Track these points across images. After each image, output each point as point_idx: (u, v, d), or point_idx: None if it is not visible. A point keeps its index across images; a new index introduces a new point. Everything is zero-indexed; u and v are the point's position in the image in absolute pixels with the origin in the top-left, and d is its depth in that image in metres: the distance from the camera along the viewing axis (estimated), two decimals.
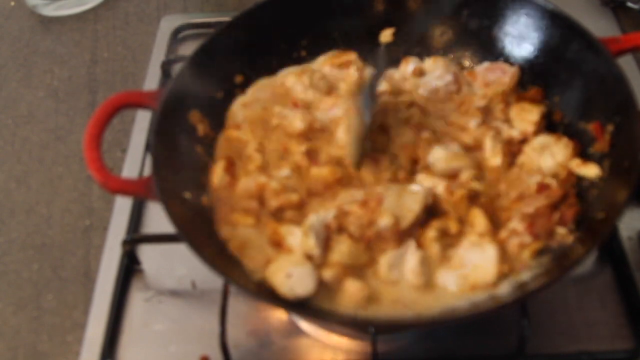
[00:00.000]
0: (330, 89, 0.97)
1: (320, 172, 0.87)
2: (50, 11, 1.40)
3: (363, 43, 1.03)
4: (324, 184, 0.86)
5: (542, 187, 0.83)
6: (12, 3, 1.45)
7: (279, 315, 0.89)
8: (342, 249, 0.79)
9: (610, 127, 0.83)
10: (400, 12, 1.02)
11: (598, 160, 0.84)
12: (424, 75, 0.99)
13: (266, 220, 0.84)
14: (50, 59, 1.32)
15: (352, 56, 1.00)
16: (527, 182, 0.85)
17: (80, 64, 1.30)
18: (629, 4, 1.26)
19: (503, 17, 0.97)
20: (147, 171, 0.87)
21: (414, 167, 0.88)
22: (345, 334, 0.86)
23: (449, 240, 0.81)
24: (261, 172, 0.88)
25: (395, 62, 1.02)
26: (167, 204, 0.75)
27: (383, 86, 0.96)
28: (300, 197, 0.85)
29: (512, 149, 0.90)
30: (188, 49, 1.25)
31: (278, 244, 0.82)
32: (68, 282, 0.97)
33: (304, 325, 0.88)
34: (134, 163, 1.08)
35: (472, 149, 0.90)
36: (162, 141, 0.82)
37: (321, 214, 0.81)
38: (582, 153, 0.86)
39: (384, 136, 0.91)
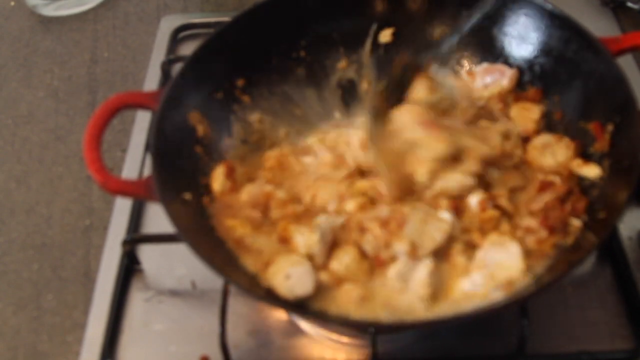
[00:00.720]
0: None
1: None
2: (50, 11, 1.40)
3: (362, 43, 1.03)
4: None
5: (544, 185, 0.83)
6: (12, 3, 1.45)
7: (279, 315, 0.89)
8: (344, 261, 0.79)
9: (610, 127, 0.83)
10: (399, 12, 1.02)
11: (598, 160, 0.84)
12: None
13: (270, 227, 0.84)
14: (50, 59, 1.32)
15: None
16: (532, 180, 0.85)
17: (80, 64, 1.30)
18: (629, 4, 1.26)
19: (502, 17, 0.97)
20: (147, 171, 0.87)
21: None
22: (345, 334, 0.86)
23: (471, 251, 0.80)
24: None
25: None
26: (167, 204, 0.75)
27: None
28: (305, 208, 0.84)
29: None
30: (188, 49, 1.25)
31: (286, 241, 0.82)
32: (68, 282, 0.97)
33: (304, 325, 0.88)
34: (134, 163, 1.08)
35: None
36: (162, 142, 0.82)
37: (330, 218, 0.81)
38: (583, 153, 0.86)
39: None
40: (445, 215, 0.81)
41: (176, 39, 1.29)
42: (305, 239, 0.80)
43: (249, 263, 0.81)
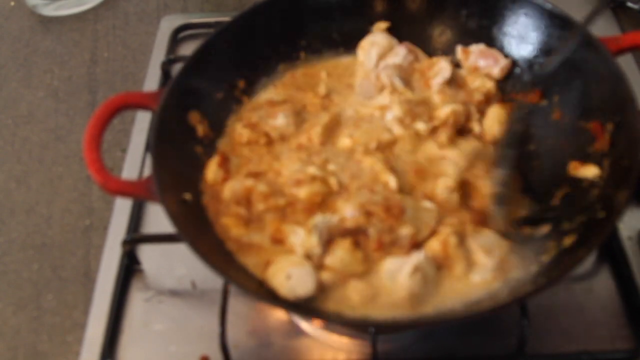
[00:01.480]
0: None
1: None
2: (50, 11, 1.40)
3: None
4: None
5: None
6: (12, 3, 1.45)
7: (279, 315, 0.89)
8: (338, 254, 0.79)
9: (610, 127, 0.83)
10: (399, 12, 1.02)
11: (598, 159, 0.84)
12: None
13: (259, 223, 0.84)
14: (50, 59, 1.32)
15: None
16: None
17: (80, 64, 1.30)
18: (629, 4, 1.26)
19: (502, 17, 0.97)
20: (147, 171, 0.87)
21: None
22: (346, 334, 0.86)
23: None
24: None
25: None
26: (167, 204, 0.75)
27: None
28: (287, 201, 0.84)
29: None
30: (188, 49, 1.26)
31: (279, 242, 0.82)
32: (68, 282, 0.97)
33: (304, 325, 0.88)
34: (134, 163, 1.08)
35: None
36: (162, 142, 0.82)
37: (327, 215, 0.81)
38: (582, 153, 0.86)
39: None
40: (430, 205, 0.84)
41: (176, 39, 1.30)
42: (301, 240, 0.80)
43: (249, 263, 0.81)
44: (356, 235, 0.80)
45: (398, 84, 0.96)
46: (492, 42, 0.99)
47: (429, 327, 0.86)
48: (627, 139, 0.80)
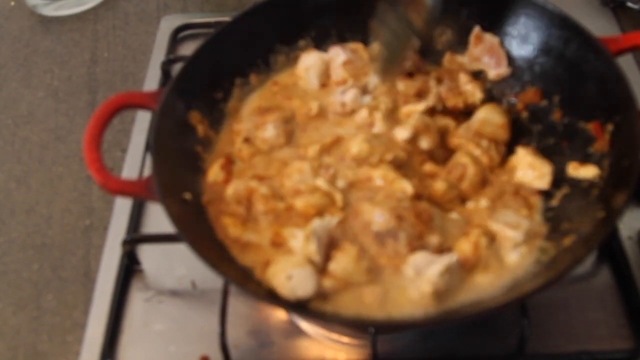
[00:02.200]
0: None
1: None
2: (50, 11, 1.40)
3: (362, 43, 1.03)
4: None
5: None
6: (12, 3, 1.45)
7: (279, 315, 0.89)
8: (342, 262, 0.79)
9: (610, 127, 0.83)
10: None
11: (598, 159, 0.84)
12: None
13: (256, 223, 0.84)
14: (50, 59, 1.32)
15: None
16: None
17: (80, 64, 1.30)
18: (629, 4, 1.26)
19: (502, 16, 0.97)
20: (147, 171, 0.88)
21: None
22: (346, 334, 0.86)
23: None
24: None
25: None
26: (167, 204, 0.75)
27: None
28: (286, 206, 0.85)
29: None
30: (188, 49, 1.26)
31: (279, 245, 0.82)
32: (68, 282, 0.97)
33: (304, 325, 0.88)
34: (134, 163, 1.08)
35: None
36: (162, 142, 0.82)
37: (325, 219, 0.81)
38: (582, 153, 0.86)
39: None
40: (456, 216, 0.84)
41: (176, 39, 1.30)
42: (301, 244, 0.79)
43: (249, 263, 0.81)
44: (382, 239, 0.80)
45: (367, 101, 0.95)
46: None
47: (429, 328, 0.86)
48: (627, 139, 0.80)
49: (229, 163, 0.90)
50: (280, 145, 0.93)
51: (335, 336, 0.86)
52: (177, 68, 1.01)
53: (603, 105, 0.85)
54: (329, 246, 0.80)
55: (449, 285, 0.76)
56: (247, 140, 0.92)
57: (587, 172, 0.84)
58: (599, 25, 1.21)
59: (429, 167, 0.89)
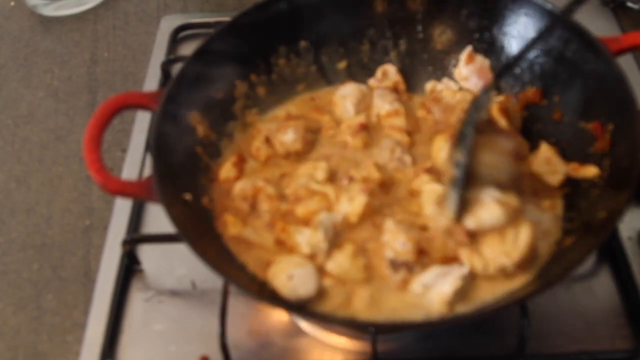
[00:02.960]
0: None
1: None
2: (50, 11, 1.40)
3: (362, 44, 1.03)
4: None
5: None
6: (12, 3, 1.45)
7: (279, 315, 0.89)
8: (338, 260, 0.79)
9: (610, 127, 0.83)
10: (399, 12, 1.02)
11: (598, 159, 0.84)
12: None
13: (256, 219, 0.85)
14: (50, 59, 1.32)
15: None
16: None
17: (80, 64, 1.30)
18: (629, 4, 1.26)
19: (502, 16, 0.97)
20: (147, 172, 0.88)
21: None
22: (346, 334, 0.86)
23: None
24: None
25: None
26: (167, 205, 0.75)
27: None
28: (288, 209, 0.85)
29: None
30: (188, 49, 1.26)
31: (282, 243, 0.82)
32: (68, 282, 0.97)
33: (304, 325, 0.88)
34: (134, 163, 1.08)
35: None
36: (162, 142, 0.82)
37: (331, 214, 0.82)
38: (582, 154, 0.86)
39: None
40: None
41: (176, 39, 1.30)
42: (308, 238, 0.80)
43: (249, 262, 0.81)
44: (396, 266, 0.80)
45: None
46: (492, 42, 0.99)
47: (430, 328, 0.86)
48: (627, 139, 0.80)
49: (241, 161, 0.92)
50: (297, 152, 0.93)
51: (335, 336, 0.86)
52: (177, 68, 1.01)
53: (603, 105, 0.85)
54: (332, 244, 0.80)
55: (461, 295, 0.77)
56: (267, 140, 0.93)
57: (587, 172, 0.84)
58: (599, 25, 1.21)
59: None
